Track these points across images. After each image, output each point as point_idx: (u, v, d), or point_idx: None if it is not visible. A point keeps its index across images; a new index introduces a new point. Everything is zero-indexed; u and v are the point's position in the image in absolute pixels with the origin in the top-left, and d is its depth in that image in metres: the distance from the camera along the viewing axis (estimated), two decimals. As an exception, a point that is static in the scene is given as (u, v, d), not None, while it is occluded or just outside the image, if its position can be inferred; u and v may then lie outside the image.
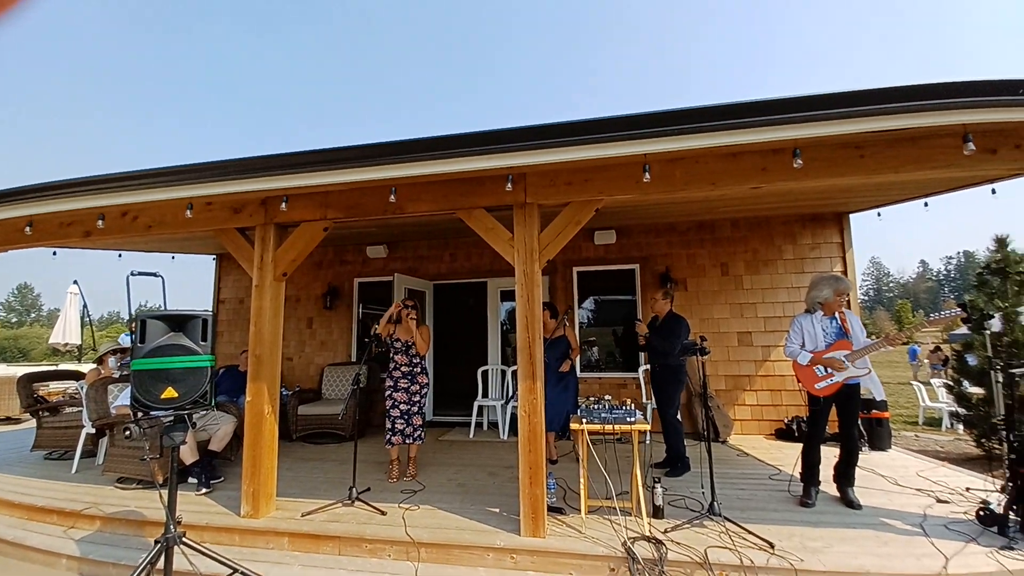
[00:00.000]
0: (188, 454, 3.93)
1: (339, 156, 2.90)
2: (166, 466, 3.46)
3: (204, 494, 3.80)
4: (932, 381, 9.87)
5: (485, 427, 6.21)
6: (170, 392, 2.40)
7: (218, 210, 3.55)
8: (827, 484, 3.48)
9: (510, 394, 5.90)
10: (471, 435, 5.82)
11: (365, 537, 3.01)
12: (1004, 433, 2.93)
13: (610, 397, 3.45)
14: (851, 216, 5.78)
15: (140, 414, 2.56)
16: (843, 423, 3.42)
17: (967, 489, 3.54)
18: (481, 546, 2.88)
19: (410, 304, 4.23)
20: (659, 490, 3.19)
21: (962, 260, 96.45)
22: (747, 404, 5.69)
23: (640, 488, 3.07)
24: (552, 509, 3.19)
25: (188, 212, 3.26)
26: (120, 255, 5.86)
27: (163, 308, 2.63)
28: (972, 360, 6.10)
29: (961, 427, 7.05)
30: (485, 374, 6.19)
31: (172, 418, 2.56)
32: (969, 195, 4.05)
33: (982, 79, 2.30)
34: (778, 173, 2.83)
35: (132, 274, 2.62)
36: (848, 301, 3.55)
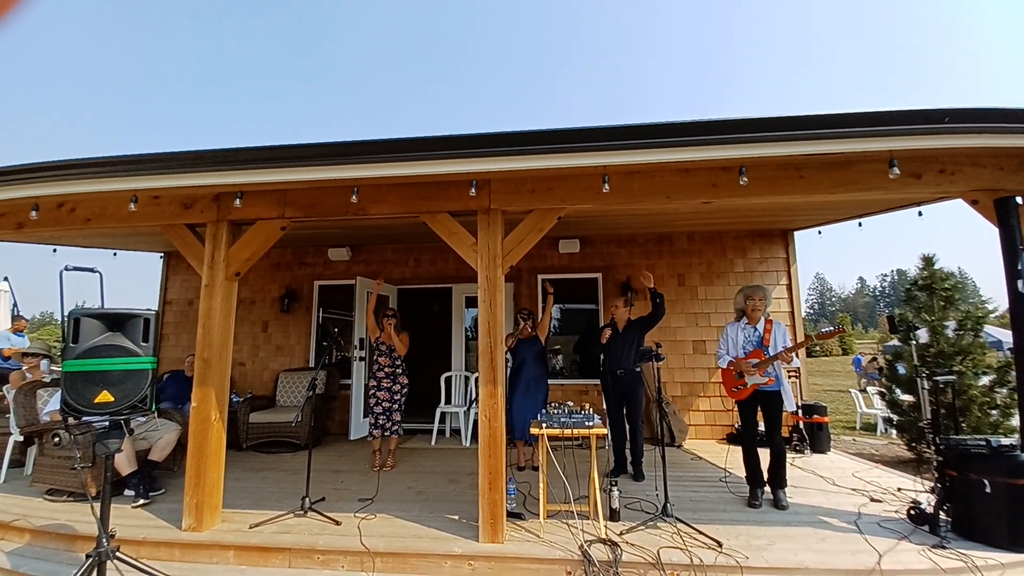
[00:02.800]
0: (125, 464, 3.68)
1: (299, 153, 2.83)
2: (100, 476, 3.23)
3: (142, 506, 3.57)
4: (868, 389, 10.56)
5: (448, 434, 6.14)
6: (105, 396, 2.26)
7: (166, 205, 3.38)
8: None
9: (472, 398, 5.87)
10: (433, 442, 5.73)
11: (317, 548, 2.91)
12: (931, 437, 3.17)
13: (572, 403, 3.50)
14: (796, 233, 6.16)
15: (71, 419, 2.38)
16: (765, 428, 3.64)
17: (899, 489, 3.80)
18: (438, 554, 2.84)
19: (390, 312, 4.68)
20: (615, 493, 3.25)
21: (895, 277, 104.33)
22: (701, 410, 5.91)
23: (597, 492, 3.13)
24: (512, 515, 3.19)
25: (132, 206, 3.07)
26: (55, 250, 5.44)
27: (101, 307, 2.46)
28: (902, 369, 6.58)
29: (894, 432, 7.57)
30: (448, 380, 6.13)
31: (107, 424, 2.41)
32: (901, 216, 4.41)
33: (907, 108, 2.54)
34: (727, 189, 3.00)
35: (66, 269, 2.45)
36: (762, 306, 3.74)
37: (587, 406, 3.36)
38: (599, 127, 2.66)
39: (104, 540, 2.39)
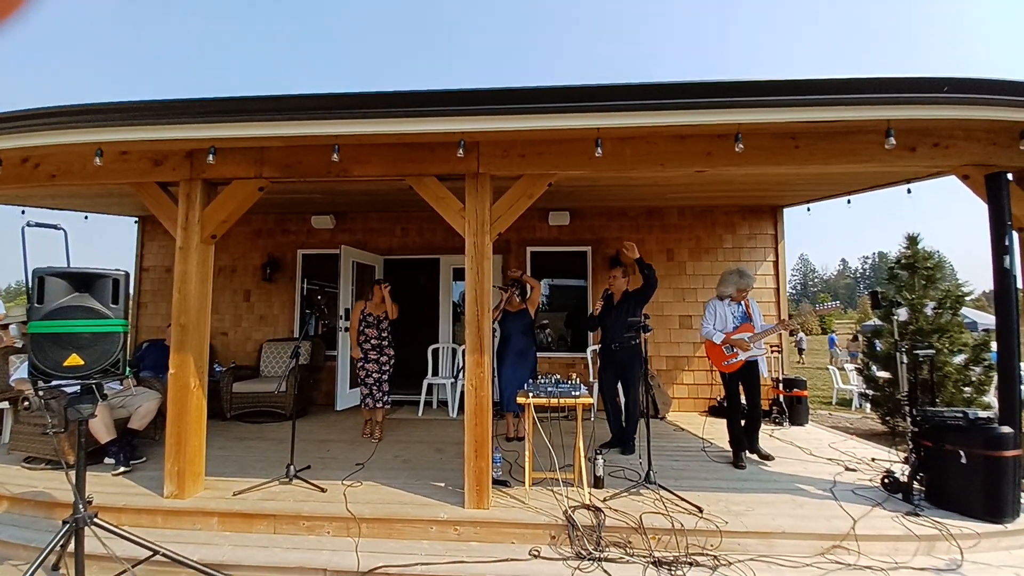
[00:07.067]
0: (104, 431, 3.60)
1: (275, 106, 2.66)
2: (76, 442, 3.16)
3: (122, 474, 3.52)
4: (846, 366, 10.85)
5: (435, 405, 6.16)
6: (75, 359, 2.16)
7: (135, 161, 3.19)
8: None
9: (460, 367, 5.87)
10: (420, 413, 5.74)
11: (303, 514, 2.90)
12: (908, 408, 3.24)
13: (559, 376, 3.49)
14: (784, 211, 6.15)
15: (40, 383, 2.29)
16: (748, 396, 3.85)
17: (872, 459, 3.92)
18: (424, 519, 2.85)
19: (384, 280, 4.71)
20: (600, 461, 3.29)
21: (876, 260, 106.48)
22: (685, 383, 6.00)
23: (582, 460, 3.16)
24: (497, 482, 3.21)
25: (97, 160, 2.87)
26: (24, 211, 5.19)
27: (67, 266, 2.34)
28: (879, 346, 6.73)
29: (868, 407, 7.81)
30: (436, 352, 6.11)
31: (79, 388, 2.32)
32: (886, 198, 4.44)
33: (907, 76, 2.47)
34: (721, 158, 2.93)
35: (28, 225, 2.30)
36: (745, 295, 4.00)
37: (574, 376, 3.36)
38: (593, 85, 2.55)
39: (81, 506, 2.34)
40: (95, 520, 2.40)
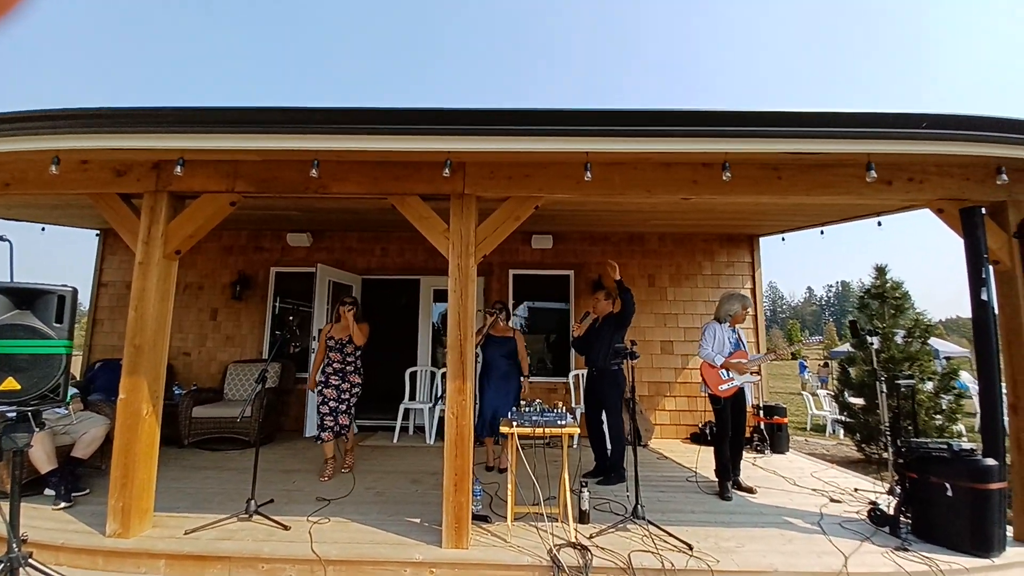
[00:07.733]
0: (44, 460, 3.30)
1: (251, 117, 2.53)
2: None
3: (63, 509, 3.20)
4: (818, 392, 11.05)
5: (411, 431, 5.90)
6: (10, 383, 1.95)
7: (96, 170, 2.99)
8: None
9: (439, 394, 5.67)
10: (395, 440, 5.48)
11: (262, 556, 2.65)
12: (891, 438, 3.22)
13: (540, 400, 3.37)
14: (761, 240, 6.29)
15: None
16: (735, 423, 3.84)
17: (856, 489, 3.88)
18: (397, 561, 2.65)
19: (348, 301, 4.23)
20: (586, 494, 3.15)
21: (839, 288, 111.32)
22: (667, 409, 5.93)
23: (568, 493, 3.01)
24: (477, 517, 3.03)
25: (53, 168, 2.66)
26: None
27: (10, 281, 2.13)
28: (852, 373, 6.86)
29: (842, 432, 7.90)
30: (413, 375, 5.90)
31: (15, 415, 2.09)
32: (851, 230, 4.57)
33: (887, 111, 2.54)
34: (707, 186, 2.96)
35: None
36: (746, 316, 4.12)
37: (560, 404, 3.24)
38: (582, 110, 2.53)
39: (15, 545, 2.11)
40: (29, 561, 2.18)
